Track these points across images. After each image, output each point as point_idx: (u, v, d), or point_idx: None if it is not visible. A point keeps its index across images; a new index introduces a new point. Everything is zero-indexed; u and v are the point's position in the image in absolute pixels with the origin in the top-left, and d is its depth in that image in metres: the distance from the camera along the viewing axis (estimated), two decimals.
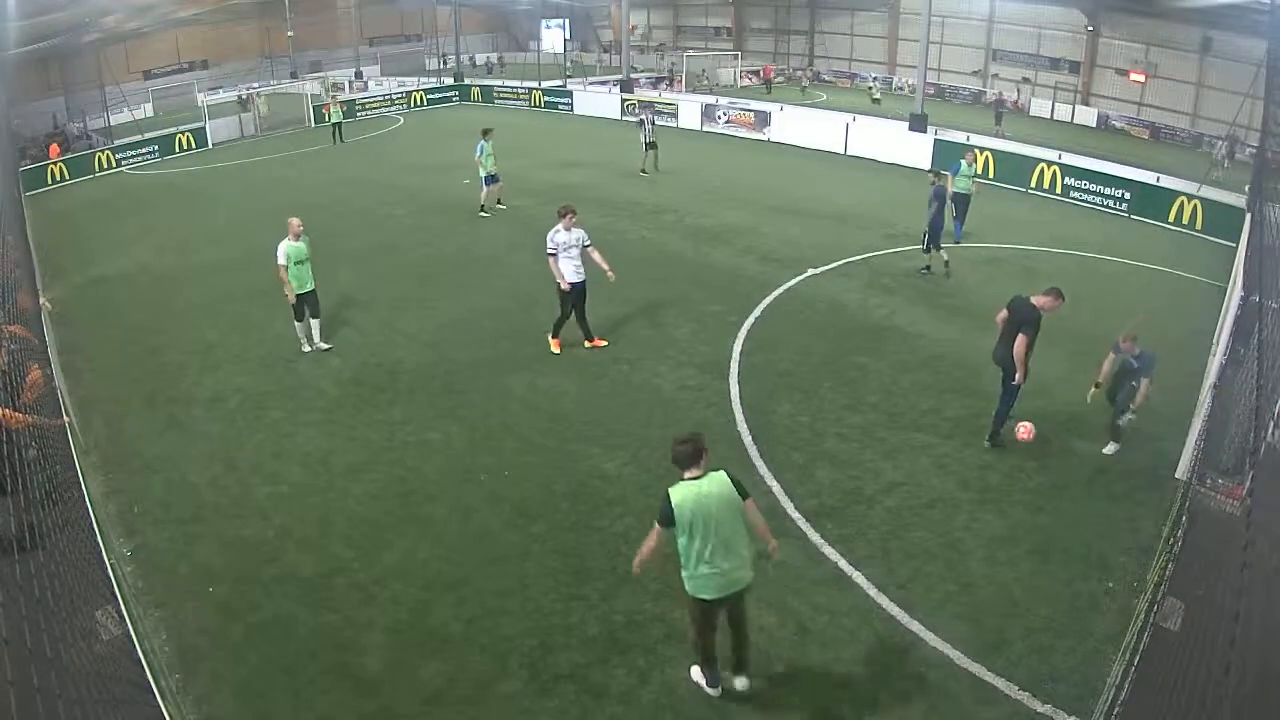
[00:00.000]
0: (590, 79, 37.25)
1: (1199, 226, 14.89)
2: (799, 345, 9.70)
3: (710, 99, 28.07)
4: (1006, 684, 4.90)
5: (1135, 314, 7.78)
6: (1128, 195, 16.09)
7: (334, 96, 31.23)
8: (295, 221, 9.30)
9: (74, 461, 6.95)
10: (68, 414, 7.58)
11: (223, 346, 10.16)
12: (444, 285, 12.06)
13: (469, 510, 6.75)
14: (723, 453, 7.06)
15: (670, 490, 4.39)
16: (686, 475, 4.41)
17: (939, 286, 11.72)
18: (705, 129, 25.98)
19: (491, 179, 15.61)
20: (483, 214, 15.74)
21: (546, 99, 32.08)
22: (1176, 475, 6.89)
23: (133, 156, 24.30)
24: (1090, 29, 34.54)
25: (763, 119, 24.62)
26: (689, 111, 26.71)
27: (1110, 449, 7.38)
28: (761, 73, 42.44)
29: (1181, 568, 5.09)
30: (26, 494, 3.98)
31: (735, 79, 42.18)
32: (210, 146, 26.08)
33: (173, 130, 25.94)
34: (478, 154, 15.42)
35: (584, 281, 9.20)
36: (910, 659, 5.15)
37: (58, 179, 22.37)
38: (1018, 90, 37.14)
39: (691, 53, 43.33)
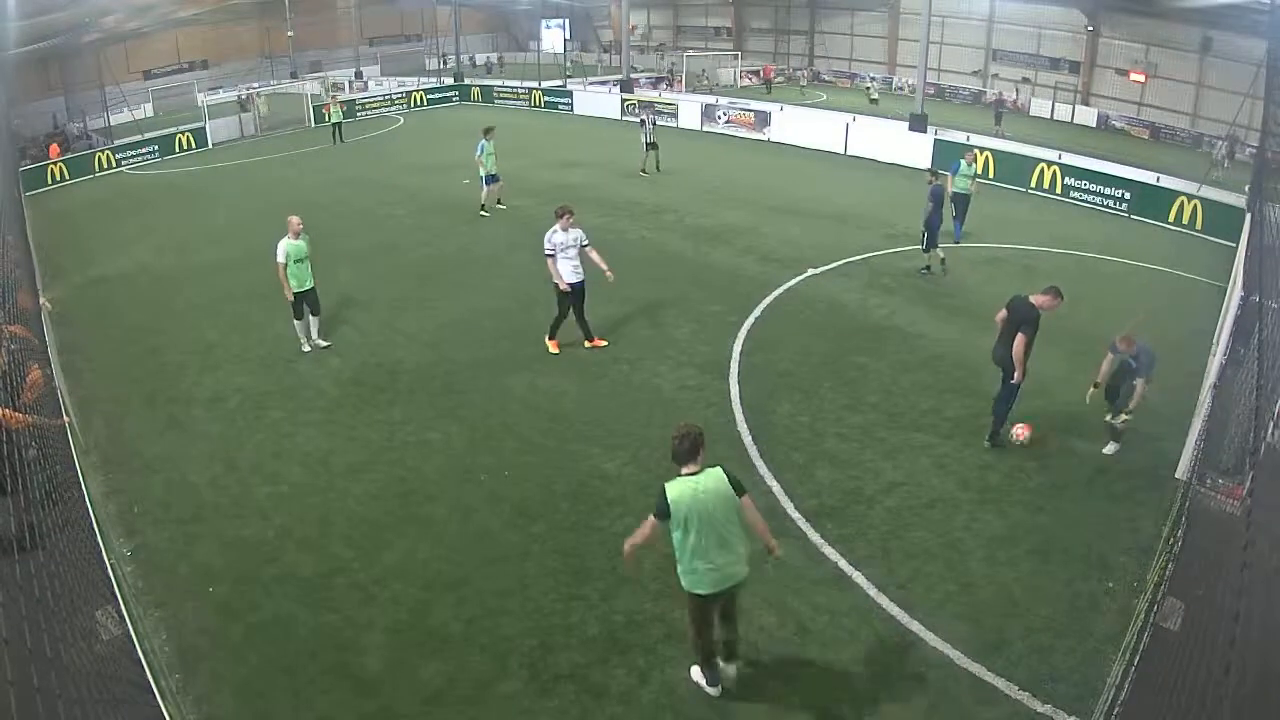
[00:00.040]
0: (590, 79, 37.24)
1: (1199, 226, 14.90)
2: (799, 345, 9.70)
3: (710, 99, 28.07)
4: (1006, 684, 4.90)
5: (1135, 314, 7.77)
6: (1128, 195, 16.09)
7: (334, 96, 31.23)
8: (295, 219, 9.33)
9: (74, 461, 6.95)
10: (68, 414, 7.57)
11: (223, 346, 10.17)
12: (444, 285, 12.06)
13: (469, 510, 6.75)
14: (723, 453, 7.05)
15: (667, 485, 4.38)
16: (684, 471, 4.41)
17: (939, 286, 11.73)
18: (705, 129, 25.99)
19: (491, 179, 15.61)
20: (483, 214, 15.74)
21: (546, 99, 32.07)
22: (1176, 475, 6.89)
23: (133, 156, 24.30)
24: (1090, 29, 34.54)
25: (763, 119, 24.63)
26: (689, 111, 26.71)
27: (1110, 449, 7.38)
28: (761, 73, 42.43)
29: (1181, 568, 5.09)
30: (26, 494, 3.98)
31: (735, 79, 42.18)
32: (210, 146, 26.08)
33: (173, 130, 25.94)
34: (478, 153, 15.40)
35: (583, 282, 9.21)
36: (910, 659, 5.15)
37: (58, 179, 22.38)
38: (1017, 90, 37.12)
39: (691, 53, 43.34)
